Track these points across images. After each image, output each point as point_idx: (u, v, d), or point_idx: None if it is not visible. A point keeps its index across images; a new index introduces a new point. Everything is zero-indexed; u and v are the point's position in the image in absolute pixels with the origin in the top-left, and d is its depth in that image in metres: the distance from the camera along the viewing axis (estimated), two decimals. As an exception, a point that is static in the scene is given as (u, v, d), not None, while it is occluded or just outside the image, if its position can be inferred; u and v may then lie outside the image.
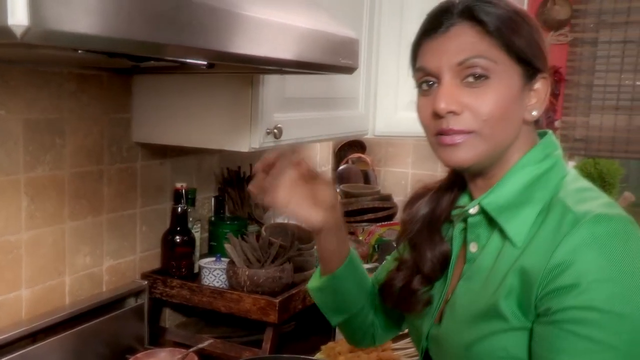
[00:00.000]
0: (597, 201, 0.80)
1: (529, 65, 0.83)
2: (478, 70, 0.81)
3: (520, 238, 0.82)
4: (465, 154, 0.83)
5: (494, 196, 0.85)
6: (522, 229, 0.82)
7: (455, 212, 0.93)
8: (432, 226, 0.95)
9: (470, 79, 0.81)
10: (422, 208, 0.96)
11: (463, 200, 0.93)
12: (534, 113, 0.85)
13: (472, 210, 0.89)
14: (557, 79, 2.50)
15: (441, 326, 0.91)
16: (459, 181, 0.94)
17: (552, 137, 0.90)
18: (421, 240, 0.95)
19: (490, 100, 0.81)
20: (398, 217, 2.39)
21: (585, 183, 0.86)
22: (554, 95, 2.56)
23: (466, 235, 0.91)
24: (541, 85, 0.85)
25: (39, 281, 1.37)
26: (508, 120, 0.83)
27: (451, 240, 0.93)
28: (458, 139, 0.82)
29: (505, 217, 0.84)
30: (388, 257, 1.10)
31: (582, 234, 0.75)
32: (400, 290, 0.96)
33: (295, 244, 1.61)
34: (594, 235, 0.75)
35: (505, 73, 0.81)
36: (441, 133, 0.83)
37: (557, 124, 2.60)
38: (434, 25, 0.84)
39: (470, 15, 0.82)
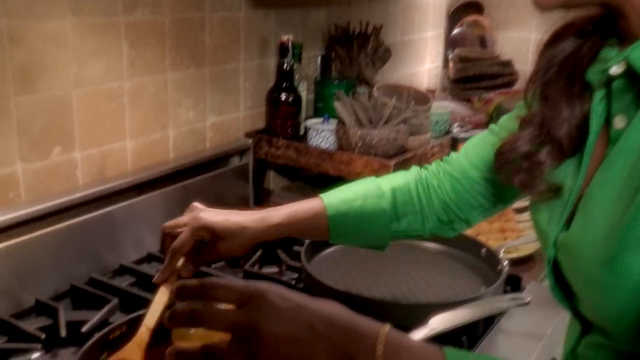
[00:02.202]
0: None
1: None
2: None
3: None
4: None
5: None
6: None
7: (592, 70, 0.67)
8: (573, 74, 0.69)
9: None
10: (562, 50, 0.70)
11: (608, 51, 0.66)
12: None
13: (616, 69, 0.62)
14: None
15: (571, 231, 0.68)
16: (608, 21, 0.66)
17: None
18: (557, 91, 0.70)
19: None
20: (519, 85, 2.16)
21: None
22: None
23: (610, 105, 0.66)
24: None
25: (142, 133, 1.30)
26: None
27: (588, 113, 0.67)
28: None
29: None
30: (503, 117, 0.87)
31: None
32: (522, 158, 0.72)
33: (410, 104, 1.46)
34: None
35: None
36: None
37: None
38: None
39: None
